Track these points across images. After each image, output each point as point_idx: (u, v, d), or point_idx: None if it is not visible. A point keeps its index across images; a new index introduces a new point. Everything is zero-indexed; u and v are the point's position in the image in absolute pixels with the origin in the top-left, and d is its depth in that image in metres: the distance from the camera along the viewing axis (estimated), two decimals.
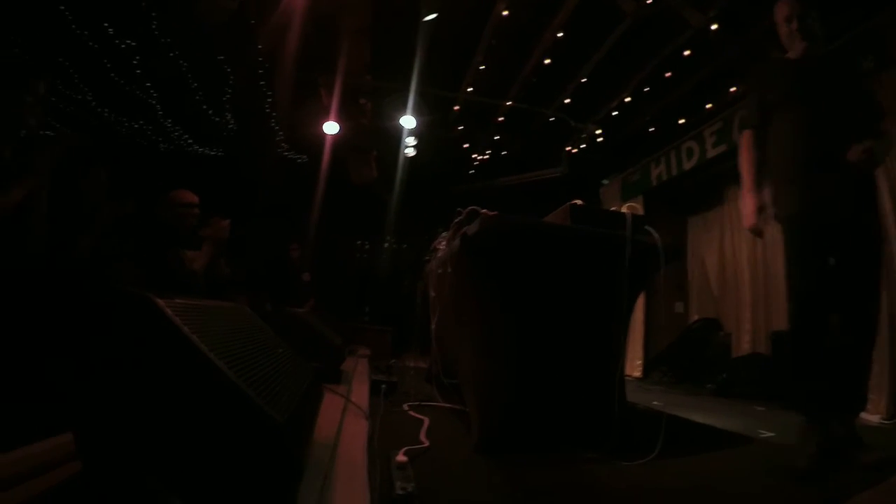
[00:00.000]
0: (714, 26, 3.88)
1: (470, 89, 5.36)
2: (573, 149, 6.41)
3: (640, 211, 2.08)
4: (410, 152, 6.30)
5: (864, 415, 3.05)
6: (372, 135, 6.11)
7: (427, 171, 7.07)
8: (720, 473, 1.72)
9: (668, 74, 4.64)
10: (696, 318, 5.39)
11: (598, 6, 3.91)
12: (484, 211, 1.85)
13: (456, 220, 2.23)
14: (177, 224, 3.33)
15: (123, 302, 0.92)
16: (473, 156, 7.20)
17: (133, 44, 5.12)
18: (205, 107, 6.06)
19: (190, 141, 7.44)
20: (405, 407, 2.39)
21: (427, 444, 1.77)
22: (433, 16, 4.05)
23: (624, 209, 2.06)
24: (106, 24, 4.88)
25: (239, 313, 1.44)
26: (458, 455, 1.74)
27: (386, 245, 9.03)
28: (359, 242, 9.10)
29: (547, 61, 4.72)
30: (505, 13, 4.08)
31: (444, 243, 2.91)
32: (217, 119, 6.45)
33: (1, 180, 1.98)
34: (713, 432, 2.46)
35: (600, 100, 5.34)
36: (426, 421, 2.07)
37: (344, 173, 6.62)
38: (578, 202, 2.00)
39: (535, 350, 1.92)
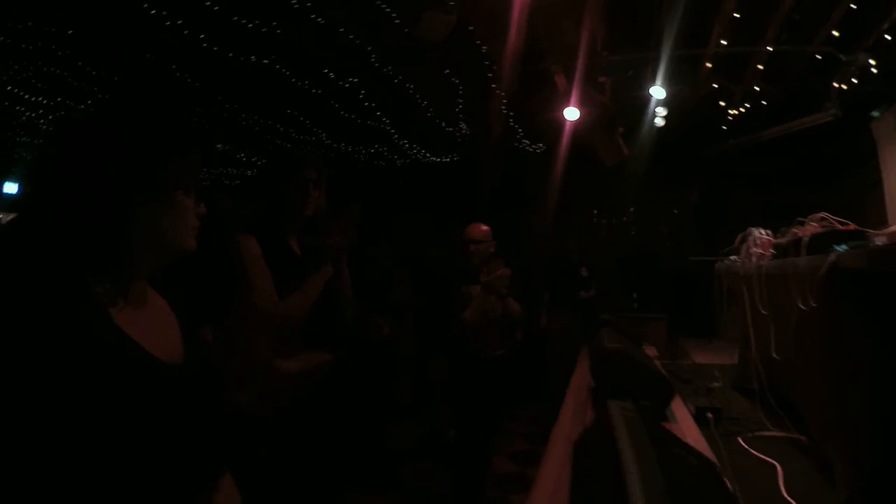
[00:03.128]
0: None
1: (722, 42, 4.85)
2: (842, 86, 5.37)
3: None
4: (660, 122, 5.89)
5: None
6: (616, 112, 5.84)
7: (672, 136, 6.55)
8: None
9: None
10: None
11: None
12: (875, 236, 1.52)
13: (803, 233, 1.89)
14: (474, 257, 3.43)
15: None
16: (728, 112, 6.51)
17: (355, 80, 5.58)
18: (437, 120, 6.38)
19: (425, 153, 7.96)
20: (742, 443, 2.09)
21: None
22: None
23: None
24: (325, 70, 5.37)
25: None
26: None
27: (629, 220, 8.60)
28: (604, 221, 8.77)
29: None
30: None
31: (759, 247, 2.55)
32: (450, 129, 6.74)
33: (299, 270, 2.10)
34: None
35: (870, 22, 4.47)
36: (778, 468, 1.77)
37: (589, 157, 6.43)
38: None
39: None
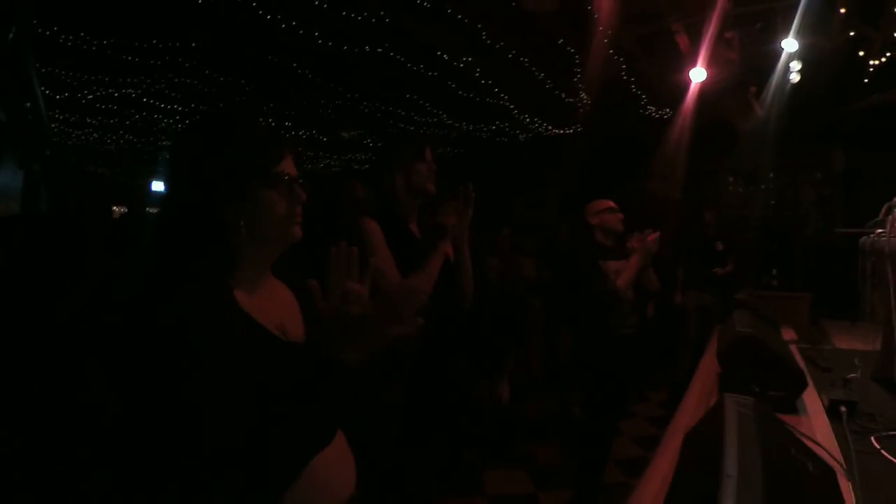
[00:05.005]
0: None
1: None
2: None
3: None
4: (794, 78, 5.30)
5: None
6: (746, 70, 5.34)
7: (809, 93, 5.89)
8: None
9: None
10: None
11: None
12: None
13: None
14: (602, 232, 3.34)
15: None
16: (870, 62, 5.71)
17: (469, 59, 5.57)
18: (556, 91, 6.22)
19: (547, 126, 7.81)
20: (874, 443, 1.80)
21: None
22: None
23: None
24: (438, 52, 5.40)
25: None
26: None
27: (767, 188, 7.82)
28: (740, 190, 8.06)
29: None
30: None
31: None
32: (570, 99, 6.55)
33: (419, 251, 2.13)
34: None
35: None
36: None
37: (720, 120, 5.96)
38: None
39: None
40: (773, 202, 7.59)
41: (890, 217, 2.42)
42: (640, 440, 4.65)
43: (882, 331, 2.82)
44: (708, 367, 3.04)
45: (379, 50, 5.35)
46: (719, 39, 5.03)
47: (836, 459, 1.57)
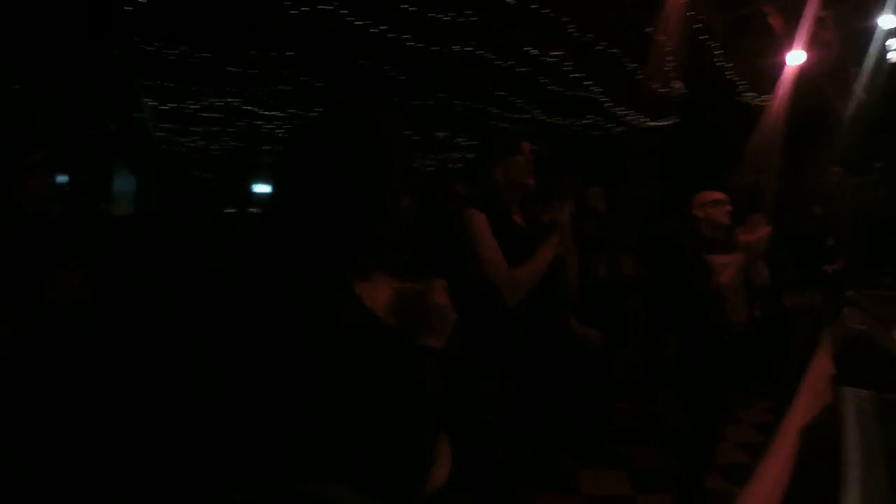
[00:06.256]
0: None
1: None
2: None
3: None
4: (894, 57, 4.85)
5: None
6: (844, 51, 4.96)
7: None
8: None
9: None
10: None
11: None
12: None
13: None
14: (708, 226, 3.21)
15: None
16: None
17: (558, 53, 5.50)
18: (648, 81, 6.03)
19: (641, 118, 7.59)
20: None
21: None
22: None
23: None
24: (526, 48, 5.36)
25: None
26: None
27: (878, 178, 7.13)
28: (849, 181, 7.39)
29: None
30: None
31: None
32: (664, 90, 6.34)
33: (526, 243, 2.14)
34: None
35: None
36: None
37: (822, 106, 5.56)
38: None
39: None
40: (883, 193, 6.92)
41: None
42: (744, 446, 4.39)
43: None
44: (819, 368, 2.85)
45: (468, 49, 5.42)
46: (813, 20, 4.67)
47: None
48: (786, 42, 4.75)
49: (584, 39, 5.13)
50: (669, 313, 3.54)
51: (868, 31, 4.94)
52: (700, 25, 4.81)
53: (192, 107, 8.17)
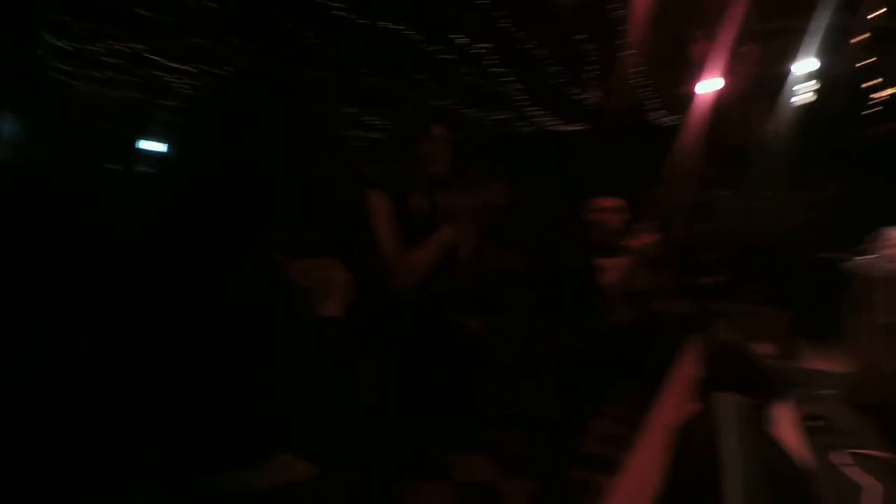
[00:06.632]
0: None
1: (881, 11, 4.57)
2: None
3: None
4: (805, 99, 5.39)
5: None
6: (758, 86, 5.42)
7: (818, 116, 5.98)
8: None
9: None
10: None
11: None
12: None
13: None
14: (598, 230, 3.36)
15: None
16: (878, 94, 5.86)
17: (489, 45, 5.54)
18: (567, 86, 6.22)
19: (551, 120, 7.82)
20: (844, 458, 1.87)
21: None
22: None
23: None
24: (457, 35, 5.36)
25: None
26: None
27: (763, 205, 7.91)
28: (736, 204, 8.10)
29: None
30: None
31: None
32: (580, 96, 6.57)
33: (426, 229, 2.12)
34: None
35: None
36: (879, 491, 1.59)
37: (726, 133, 6.04)
38: None
39: None
40: (765, 219, 7.70)
41: (877, 244, 2.49)
42: (608, 439, 4.69)
43: (860, 353, 2.92)
44: (685, 371, 3.11)
45: (396, 27, 5.29)
46: (736, 52, 5.08)
47: (808, 468, 1.64)
48: (703, 69, 5.08)
49: (512, 36, 5.19)
50: (554, 308, 3.72)
51: (785, 72, 5.36)
52: (626, 41, 5.03)
53: (92, 48, 7.36)
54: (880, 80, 5.59)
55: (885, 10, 4.50)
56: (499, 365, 5.13)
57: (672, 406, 2.50)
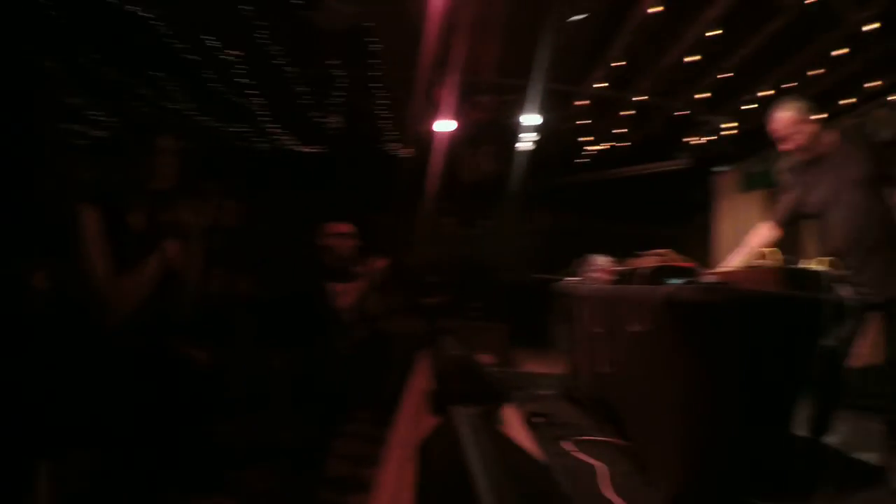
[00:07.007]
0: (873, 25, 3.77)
1: (599, 84, 5.31)
2: (696, 140, 6.29)
3: (829, 266, 2.07)
4: (527, 147, 6.27)
5: None
6: (488, 131, 6.11)
7: (536, 161, 7.00)
8: None
9: (814, 72, 4.46)
10: None
11: (753, 2, 3.78)
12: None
13: (642, 264, 2.13)
14: (330, 255, 3.33)
15: None
16: (590, 147, 7.21)
17: (239, 53, 5.25)
18: (311, 109, 6.20)
19: (291, 141, 7.68)
20: (569, 446, 2.25)
21: None
22: (581, 16, 4.00)
23: (819, 265, 2.07)
24: (209, 36, 5.00)
25: None
26: None
27: (482, 233, 8.97)
28: (459, 231, 9.03)
29: (691, 59, 4.58)
30: (654, 10, 3.94)
31: (599, 272, 2.83)
32: (322, 119, 6.58)
33: (142, 248, 1.88)
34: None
35: (735, 93, 5.19)
36: (602, 469, 1.96)
37: (455, 169, 6.65)
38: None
39: (731, 407, 1.85)
40: (483, 246, 8.81)
41: (585, 268, 3.03)
42: (350, 458, 4.72)
43: (567, 357, 3.49)
44: (418, 386, 3.33)
45: (147, 14, 4.62)
46: (472, 100, 5.60)
47: (542, 460, 1.91)
48: (442, 110, 5.50)
49: (265, 48, 4.97)
50: (285, 334, 3.65)
51: (512, 123, 6.01)
52: (376, 73, 5.22)
53: None
54: (592, 137, 6.78)
55: (605, 83, 5.21)
56: (231, 397, 4.80)
57: (410, 421, 2.63)
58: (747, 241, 2.52)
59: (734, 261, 2.31)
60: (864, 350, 3.13)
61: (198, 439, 3.85)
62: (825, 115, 2.37)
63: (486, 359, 4.41)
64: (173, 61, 5.56)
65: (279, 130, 7.48)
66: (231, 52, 5.13)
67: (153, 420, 2.20)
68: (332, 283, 3.36)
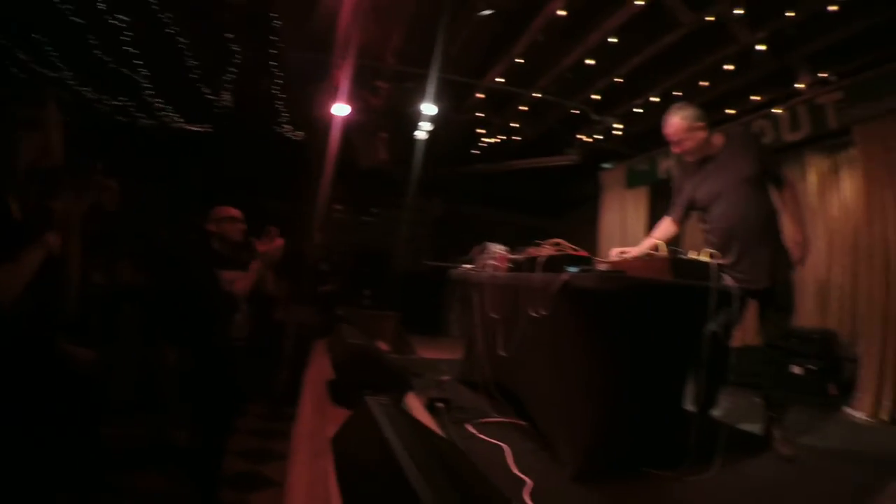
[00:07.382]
0: (761, 47, 4.16)
1: (499, 79, 5.44)
2: (587, 137, 6.61)
3: (719, 258, 2.29)
4: (422, 136, 6.30)
5: (850, 411, 3.61)
6: (385, 118, 6.05)
7: (431, 150, 7.06)
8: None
9: (703, 83, 4.86)
10: None
11: (654, 14, 4.00)
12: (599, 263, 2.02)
13: (537, 254, 2.23)
14: (219, 241, 3.16)
15: None
16: (485, 140, 7.35)
17: (126, 18, 4.81)
18: (199, 83, 5.81)
19: (176, 117, 7.13)
20: (471, 428, 2.34)
21: (529, 482, 1.79)
22: (489, 11, 4.09)
23: (704, 256, 2.28)
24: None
25: None
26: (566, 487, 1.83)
27: (373, 220, 8.93)
28: (350, 218, 8.93)
29: (590, 62, 4.84)
30: (561, 13, 4.09)
31: (495, 260, 2.92)
32: (212, 96, 6.18)
33: (15, 237, 1.71)
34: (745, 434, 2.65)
35: (627, 97, 5.51)
36: (507, 449, 2.07)
37: (348, 154, 6.53)
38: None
39: (627, 385, 2.03)
40: (374, 233, 8.81)
41: (481, 256, 3.12)
42: (245, 454, 4.55)
43: (463, 343, 3.57)
44: (317, 377, 3.26)
45: None
46: (370, 85, 5.56)
47: (451, 442, 1.97)
48: (340, 95, 5.38)
49: (156, 15, 4.57)
50: (172, 326, 3.42)
51: (410, 111, 6.04)
52: (275, 52, 4.98)
53: None
54: (488, 130, 6.98)
55: (501, 80, 5.36)
56: (118, 397, 4.42)
57: (314, 413, 2.59)
58: (651, 234, 2.75)
59: (634, 252, 2.47)
60: (745, 333, 3.54)
61: (82, 442, 3.57)
62: (710, 122, 2.60)
63: (381, 346, 4.42)
64: (52, 24, 4.96)
65: (165, 106, 6.92)
66: (118, 16, 4.67)
67: (33, 423, 2.03)
68: (222, 271, 3.18)
